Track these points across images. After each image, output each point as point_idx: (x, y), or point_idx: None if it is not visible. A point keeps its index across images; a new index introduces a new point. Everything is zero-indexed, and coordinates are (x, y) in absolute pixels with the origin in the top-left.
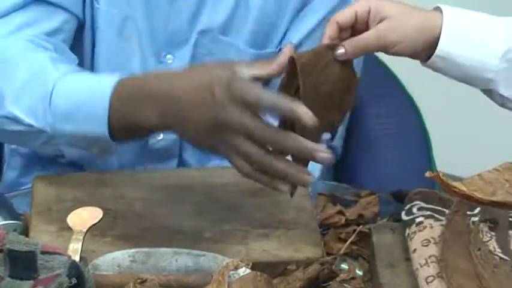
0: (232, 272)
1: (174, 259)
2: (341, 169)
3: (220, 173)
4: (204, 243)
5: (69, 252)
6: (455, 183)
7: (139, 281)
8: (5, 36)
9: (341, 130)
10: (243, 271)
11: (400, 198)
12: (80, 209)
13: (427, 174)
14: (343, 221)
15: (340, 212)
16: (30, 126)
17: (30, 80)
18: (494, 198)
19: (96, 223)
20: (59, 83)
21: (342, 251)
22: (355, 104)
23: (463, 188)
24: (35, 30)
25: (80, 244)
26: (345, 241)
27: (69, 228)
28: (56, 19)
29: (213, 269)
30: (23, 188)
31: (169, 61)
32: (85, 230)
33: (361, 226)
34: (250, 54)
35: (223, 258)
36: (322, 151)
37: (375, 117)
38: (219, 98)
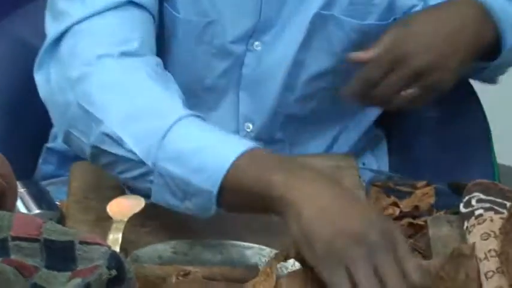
0: (280, 265)
1: (218, 251)
2: (396, 159)
3: None
4: (251, 234)
5: (109, 243)
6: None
7: (182, 273)
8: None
9: None
10: (292, 264)
11: (458, 189)
12: (121, 197)
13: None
14: (397, 213)
15: (394, 204)
16: (132, 153)
17: (148, 108)
18: None
19: (137, 212)
20: (182, 121)
21: None
22: None
23: None
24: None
25: (120, 234)
26: None
27: (108, 218)
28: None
29: (259, 262)
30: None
31: (258, 48)
32: (126, 220)
33: (416, 219)
34: (351, 25)
35: (271, 251)
36: None
37: (432, 104)
38: (375, 219)
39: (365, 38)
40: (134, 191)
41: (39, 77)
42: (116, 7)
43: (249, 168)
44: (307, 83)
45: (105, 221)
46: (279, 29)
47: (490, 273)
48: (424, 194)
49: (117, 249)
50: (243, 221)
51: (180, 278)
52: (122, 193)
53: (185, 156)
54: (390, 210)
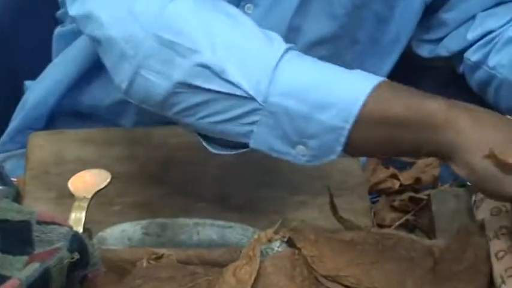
0: (264, 247)
1: (195, 231)
2: None
3: None
4: (231, 212)
5: (71, 223)
6: None
7: (153, 257)
8: None
9: None
10: (278, 245)
11: None
12: (84, 171)
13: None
14: (396, 186)
15: (394, 176)
16: (237, 86)
17: (251, 36)
18: None
19: (103, 188)
20: (290, 53)
21: (396, 223)
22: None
23: None
24: None
25: (84, 213)
26: (399, 210)
27: (71, 195)
28: None
29: (241, 243)
30: (17, 149)
31: (249, 11)
32: (89, 197)
33: (418, 192)
34: None
35: (254, 231)
36: None
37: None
38: None
39: (368, 0)
40: (219, 140)
41: (76, 11)
42: None
43: (392, 98)
44: (305, 51)
45: (67, 199)
46: None
47: (501, 253)
48: (427, 165)
49: (80, 229)
50: (222, 198)
51: (152, 262)
52: (86, 167)
53: (306, 89)
54: (389, 184)
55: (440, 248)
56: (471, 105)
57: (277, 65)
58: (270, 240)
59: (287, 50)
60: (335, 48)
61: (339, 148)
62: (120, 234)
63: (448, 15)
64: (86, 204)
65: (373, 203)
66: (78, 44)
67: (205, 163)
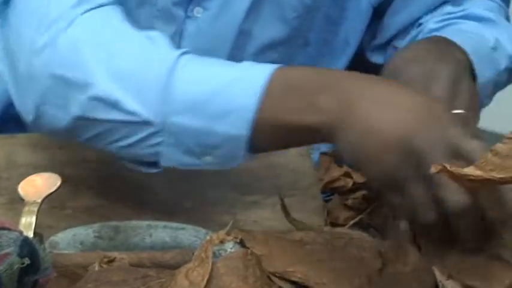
0: (217, 248)
1: (147, 234)
2: None
3: None
4: (183, 214)
5: (21, 228)
6: (466, 170)
7: (105, 260)
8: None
9: None
10: (231, 247)
11: None
12: (34, 175)
13: (433, 169)
14: (350, 185)
15: (347, 175)
16: (133, 114)
17: (138, 55)
18: None
19: (53, 192)
20: (180, 64)
21: (350, 222)
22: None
23: (478, 173)
24: None
25: (34, 217)
26: (353, 209)
27: (21, 199)
28: None
29: (194, 244)
30: None
31: (198, 14)
32: (40, 201)
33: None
34: None
35: (207, 232)
36: None
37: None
38: (428, 129)
39: (318, 2)
40: (132, 162)
41: None
42: None
43: (285, 97)
44: (256, 55)
45: (18, 203)
46: None
47: None
48: None
49: (31, 234)
50: (175, 199)
51: (104, 265)
52: (37, 171)
53: (200, 103)
54: (342, 182)
55: (387, 249)
56: (376, 80)
57: (168, 83)
58: (222, 242)
59: (178, 59)
60: (287, 51)
61: (243, 154)
62: (72, 238)
63: (394, 19)
64: (36, 209)
65: (327, 201)
66: None
67: None
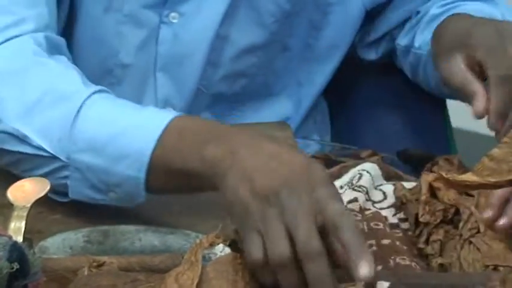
0: (207, 252)
1: (137, 238)
2: (338, 126)
3: None
4: (172, 218)
5: (10, 233)
6: (463, 177)
7: (95, 264)
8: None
9: None
10: (221, 250)
11: (408, 158)
12: (23, 180)
13: (429, 178)
14: None
15: None
16: (40, 149)
17: (46, 93)
18: None
19: (42, 197)
20: (88, 103)
21: None
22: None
23: (474, 179)
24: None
25: (23, 222)
26: None
27: (10, 204)
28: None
29: (183, 248)
30: None
31: (174, 20)
32: (29, 206)
33: None
34: None
35: (196, 236)
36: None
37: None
38: (298, 178)
39: (297, 7)
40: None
41: None
42: None
43: (177, 145)
44: (234, 60)
45: (7, 208)
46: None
47: None
48: None
49: (20, 239)
50: (163, 203)
51: (93, 269)
52: (25, 176)
53: (102, 144)
54: None
55: None
56: (261, 136)
57: (74, 121)
58: (212, 245)
59: (85, 100)
60: (266, 56)
61: (142, 193)
62: (61, 243)
63: (392, 14)
64: (25, 214)
65: None
66: None
67: None
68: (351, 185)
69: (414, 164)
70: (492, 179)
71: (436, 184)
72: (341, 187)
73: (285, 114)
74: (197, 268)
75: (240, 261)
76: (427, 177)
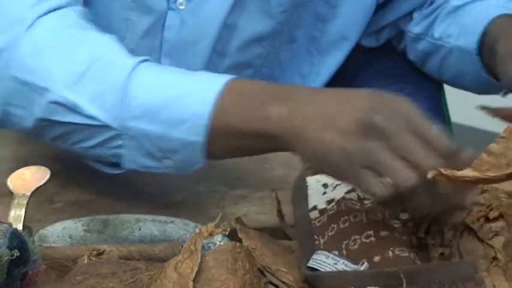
0: (206, 242)
1: (136, 227)
2: None
3: None
4: (172, 207)
5: (10, 220)
6: (462, 172)
7: (94, 253)
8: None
9: None
10: (220, 240)
11: None
12: (23, 168)
13: (430, 174)
14: None
15: None
16: (92, 118)
17: (96, 60)
18: (510, 170)
19: (42, 185)
20: (139, 68)
21: None
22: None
23: (474, 174)
24: None
25: (23, 210)
26: None
27: (11, 193)
28: None
29: (183, 237)
30: None
31: (182, 7)
32: (29, 194)
33: None
34: None
35: (196, 225)
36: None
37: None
38: (384, 104)
39: None
40: (97, 162)
41: None
42: None
43: (237, 106)
44: (241, 49)
45: (7, 197)
46: None
47: None
48: None
49: (20, 227)
50: (163, 193)
51: (93, 258)
52: (26, 165)
53: (157, 109)
54: None
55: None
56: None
57: (126, 88)
58: (211, 234)
59: (134, 67)
60: (272, 46)
61: (201, 159)
62: (61, 232)
63: (402, 4)
64: (25, 202)
65: None
66: None
67: None
68: None
69: None
70: (491, 174)
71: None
72: None
73: None
74: (197, 257)
75: (239, 250)
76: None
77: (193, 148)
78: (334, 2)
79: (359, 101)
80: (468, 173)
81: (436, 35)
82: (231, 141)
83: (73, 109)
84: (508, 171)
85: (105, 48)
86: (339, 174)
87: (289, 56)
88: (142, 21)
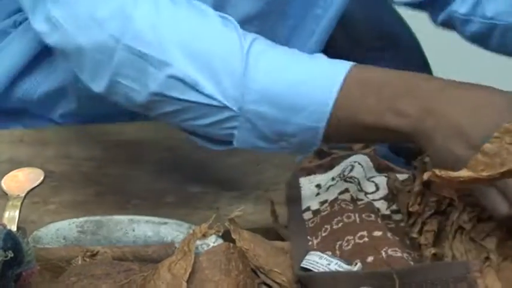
0: (200, 243)
1: (130, 228)
2: None
3: None
4: (166, 208)
5: (5, 222)
6: (457, 173)
7: (88, 254)
8: None
9: None
10: (213, 241)
11: (399, 150)
12: (17, 170)
13: (425, 176)
14: None
15: None
16: (211, 97)
17: (215, 40)
18: (505, 169)
19: (36, 186)
20: (253, 50)
21: None
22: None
23: (469, 174)
24: None
25: (17, 211)
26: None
27: (5, 195)
28: None
29: (177, 238)
30: None
31: None
32: (23, 195)
33: None
34: None
35: (189, 226)
36: None
37: (372, 50)
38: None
39: None
40: (205, 139)
41: (38, 23)
42: None
43: (362, 97)
44: None
45: (2, 199)
46: None
47: None
48: None
49: (14, 228)
50: (157, 194)
51: (87, 259)
52: (20, 167)
53: (278, 94)
54: None
55: None
56: (453, 83)
57: (246, 71)
58: (205, 235)
59: (250, 48)
60: (265, 25)
61: (318, 142)
62: (55, 233)
63: None
64: (19, 203)
65: None
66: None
67: (139, 161)
68: (343, 176)
69: (406, 157)
70: (485, 173)
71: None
72: (333, 178)
73: None
74: (190, 258)
75: (233, 251)
76: (423, 169)
77: (312, 133)
78: None
79: (492, 112)
80: (463, 173)
81: (489, 14)
82: (352, 130)
83: (193, 86)
84: (502, 169)
85: (220, 27)
86: (467, 187)
87: (287, 33)
88: None
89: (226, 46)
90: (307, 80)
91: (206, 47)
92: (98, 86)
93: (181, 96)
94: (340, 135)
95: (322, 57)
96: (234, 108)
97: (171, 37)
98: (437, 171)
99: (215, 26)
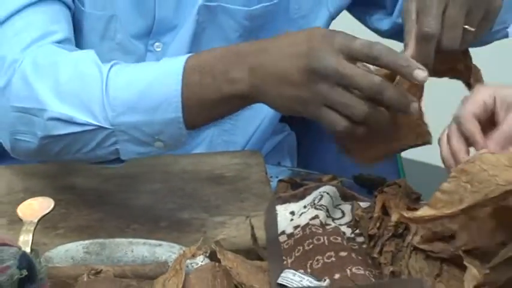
0: (190, 262)
1: (129, 249)
2: (302, 154)
3: (176, 160)
4: (160, 232)
5: (20, 244)
6: (421, 212)
7: (93, 272)
8: (34, 41)
9: None
10: (201, 260)
11: (362, 182)
12: (31, 199)
13: (394, 218)
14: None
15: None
16: (86, 124)
17: (76, 77)
18: (464, 205)
19: (47, 213)
20: (111, 74)
21: None
22: None
23: (432, 212)
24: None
25: (31, 235)
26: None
27: (20, 220)
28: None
29: (170, 258)
30: None
31: (158, 49)
32: (36, 221)
33: None
34: (240, 13)
35: (180, 247)
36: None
37: None
38: (316, 46)
39: (258, 22)
40: (99, 163)
41: None
42: (34, 2)
43: (202, 79)
44: None
45: (17, 224)
46: (178, 29)
47: None
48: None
49: (28, 250)
50: (153, 219)
51: (92, 276)
52: (32, 196)
53: (135, 101)
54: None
55: None
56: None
57: (106, 93)
58: (194, 255)
59: (108, 74)
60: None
61: (185, 132)
62: (64, 254)
63: None
64: (32, 228)
65: None
66: None
67: (136, 190)
68: (313, 204)
69: (368, 187)
70: (447, 210)
71: (388, 204)
72: (305, 206)
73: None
74: (181, 275)
75: (218, 269)
76: (381, 198)
77: (176, 124)
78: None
79: (299, 49)
80: (426, 212)
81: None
82: (206, 110)
83: (69, 120)
84: (461, 206)
85: (82, 63)
86: (307, 116)
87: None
88: (125, 61)
89: (87, 78)
90: (153, 82)
91: (71, 85)
92: (6, 146)
93: (64, 132)
94: (201, 118)
95: (165, 59)
96: (108, 126)
97: (41, 87)
98: (404, 213)
99: (75, 64)
